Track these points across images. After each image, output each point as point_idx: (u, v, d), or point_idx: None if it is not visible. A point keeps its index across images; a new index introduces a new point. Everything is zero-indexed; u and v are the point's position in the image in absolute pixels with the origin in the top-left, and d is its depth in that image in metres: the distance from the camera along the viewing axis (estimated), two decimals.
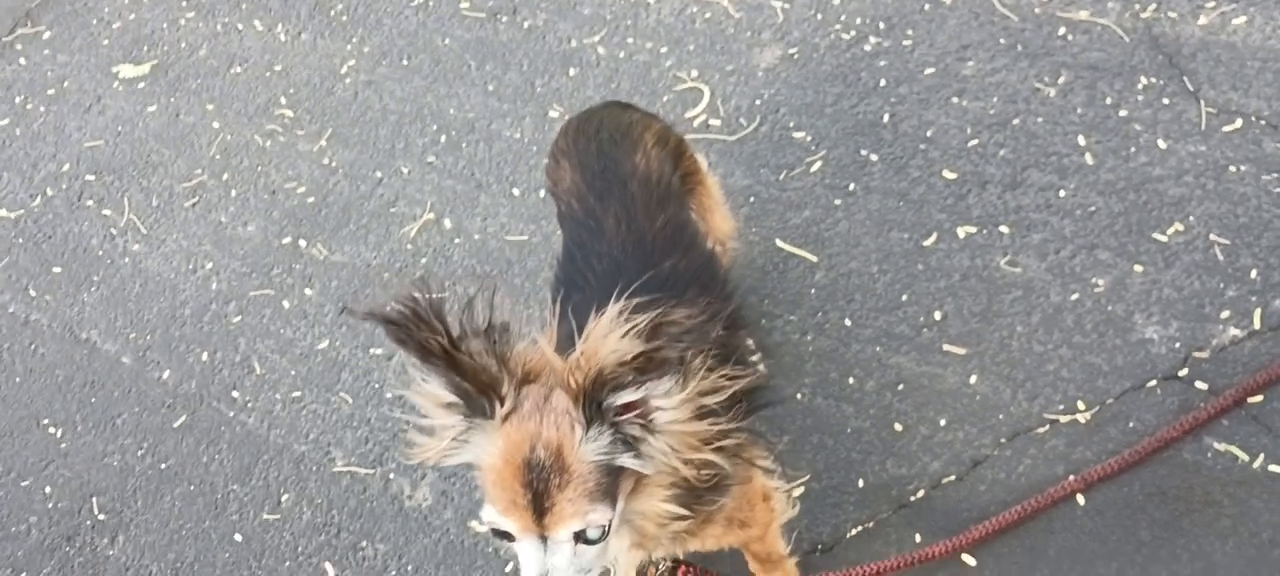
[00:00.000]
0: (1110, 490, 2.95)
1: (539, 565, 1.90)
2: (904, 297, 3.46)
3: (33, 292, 4.38)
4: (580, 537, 1.88)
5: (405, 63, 4.75)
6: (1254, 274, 3.23)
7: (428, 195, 4.24)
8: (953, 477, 3.08)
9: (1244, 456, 2.93)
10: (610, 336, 1.77)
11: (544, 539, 1.88)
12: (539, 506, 1.84)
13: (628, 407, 1.82)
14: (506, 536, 1.92)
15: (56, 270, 4.43)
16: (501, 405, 1.85)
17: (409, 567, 3.31)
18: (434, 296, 1.77)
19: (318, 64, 4.88)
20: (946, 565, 2.92)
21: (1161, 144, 3.57)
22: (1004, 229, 3.53)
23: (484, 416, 1.86)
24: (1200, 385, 3.07)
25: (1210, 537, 2.82)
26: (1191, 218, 3.39)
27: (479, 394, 1.83)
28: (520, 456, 1.83)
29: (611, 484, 1.89)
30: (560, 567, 1.90)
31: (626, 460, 1.86)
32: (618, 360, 1.75)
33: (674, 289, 2.36)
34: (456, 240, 4.06)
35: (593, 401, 1.80)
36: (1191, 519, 2.86)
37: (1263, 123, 3.53)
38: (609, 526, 1.90)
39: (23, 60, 5.36)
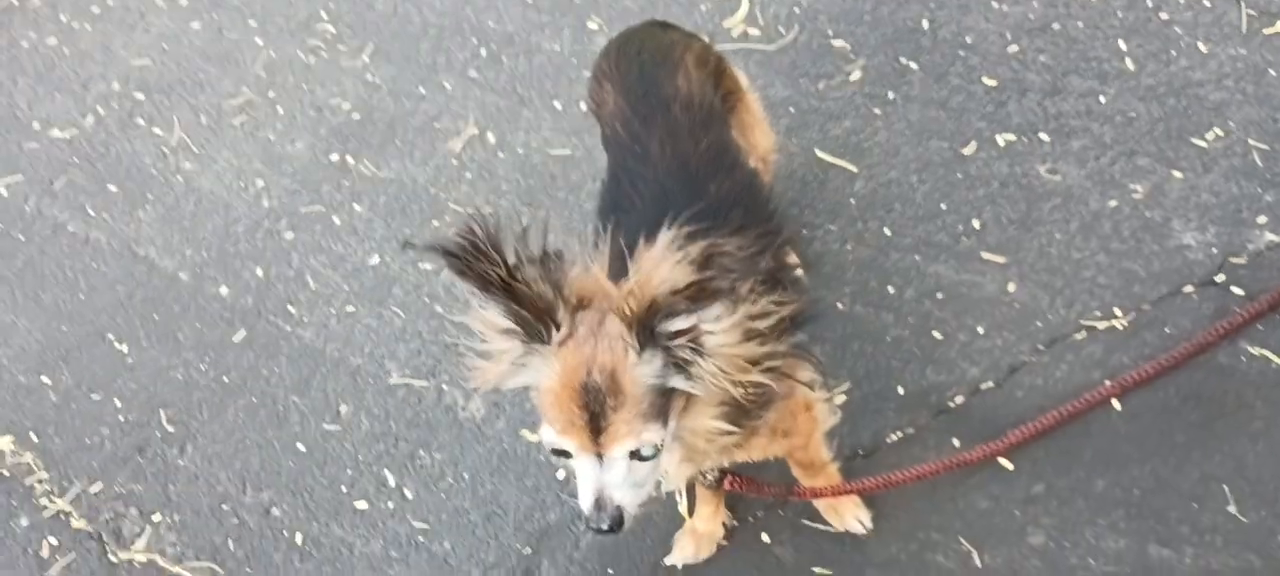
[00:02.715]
0: (1146, 394, 3.02)
1: (596, 480, 2.02)
2: (943, 206, 3.50)
3: (91, 211, 4.50)
4: (634, 455, 2.00)
5: None
6: None
7: (470, 110, 4.29)
8: (991, 384, 3.16)
9: (1277, 360, 2.98)
10: (662, 265, 1.84)
11: (600, 456, 1.99)
12: (595, 426, 1.95)
13: (679, 332, 1.91)
14: (564, 454, 2.03)
15: (112, 188, 4.54)
16: (558, 331, 1.94)
17: (465, 475, 3.45)
18: (490, 227, 1.84)
19: None
20: (984, 469, 3.01)
21: (1202, 47, 3.56)
22: (1044, 136, 3.54)
23: (541, 342, 1.95)
24: (1236, 290, 3.12)
25: (1242, 439, 2.90)
26: (1231, 122, 3.40)
27: (536, 320, 1.92)
28: (577, 379, 1.93)
29: (663, 404, 1.99)
30: (615, 483, 2.02)
31: (678, 382, 1.96)
32: (670, 288, 1.82)
33: (718, 212, 2.42)
34: (500, 155, 4.12)
35: (646, 328, 1.88)
36: (1224, 421, 2.93)
37: None
38: (661, 444, 2.01)
39: None
